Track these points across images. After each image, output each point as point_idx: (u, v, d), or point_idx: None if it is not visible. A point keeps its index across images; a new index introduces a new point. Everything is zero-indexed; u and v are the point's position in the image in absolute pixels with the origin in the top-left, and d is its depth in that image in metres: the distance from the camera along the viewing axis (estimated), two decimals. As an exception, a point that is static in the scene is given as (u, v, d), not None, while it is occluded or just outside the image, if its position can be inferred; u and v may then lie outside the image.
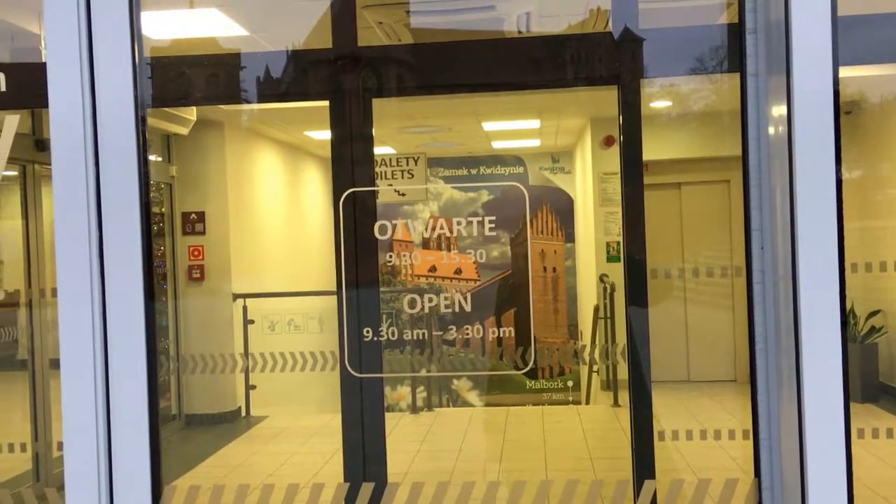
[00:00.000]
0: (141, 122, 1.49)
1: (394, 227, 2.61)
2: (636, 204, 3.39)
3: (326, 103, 3.39)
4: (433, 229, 2.79)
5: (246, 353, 6.86)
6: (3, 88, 2.10)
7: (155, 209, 7.30)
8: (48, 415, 5.33)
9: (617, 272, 6.78)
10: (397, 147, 8.82)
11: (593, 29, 4.18)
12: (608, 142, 8.15)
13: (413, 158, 6.23)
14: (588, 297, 9.32)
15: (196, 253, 7.29)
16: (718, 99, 6.07)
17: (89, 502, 1.45)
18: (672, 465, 4.54)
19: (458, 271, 10.31)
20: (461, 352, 6.99)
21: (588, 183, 8.73)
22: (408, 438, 6.18)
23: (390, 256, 2.87)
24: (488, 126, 8.61)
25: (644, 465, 3.23)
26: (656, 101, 7.29)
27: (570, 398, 10.06)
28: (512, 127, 8.96)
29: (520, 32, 4.23)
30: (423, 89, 3.50)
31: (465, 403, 9.79)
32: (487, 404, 9.73)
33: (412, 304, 2.82)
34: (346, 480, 3.27)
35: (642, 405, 3.33)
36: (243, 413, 7.31)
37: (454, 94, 5.15)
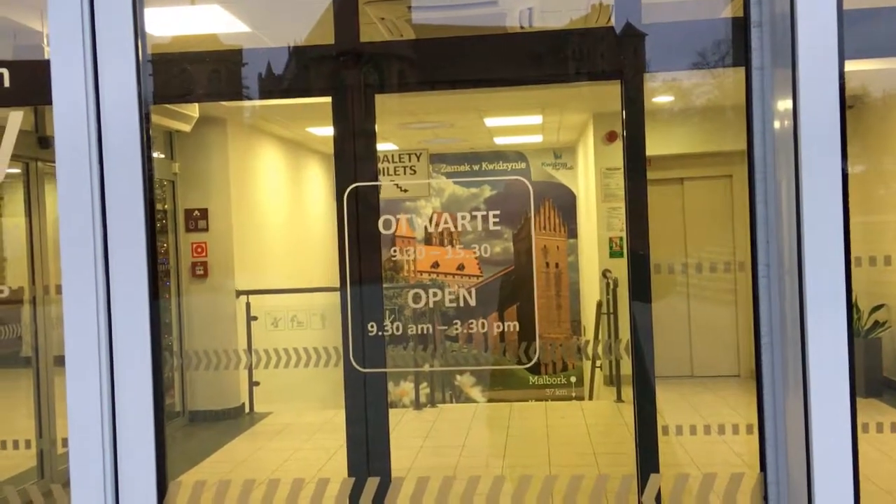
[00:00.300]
0: (145, 119, 1.49)
1: (397, 222, 2.61)
2: (639, 199, 3.38)
3: (328, 99, 3.38)
4: (436, 225, 2.79)
5: (249, 350, 6.87)
6: (7, 85, 2.10)
7: (158, 206, 7.30)
8: (52, 411, 5.34)
9: (620, 267, 6.78)
10: (400, 143, 8.83)
11: (596, 24, 4.17)
12: (611, 137, 8.14)
13: (415, 154, 6.23)
14: (591, 292, 9.32)
15: (199, 250, 7.30)
16: (721, 94, 6.06)
17: (95, 499, 1.45)
18: (676, 459, 4.54)
19: (461, 267, 10.32)
20: (464, 347, 6.99)
21: (590, 178, 8.72)
22: (411, 434, 6.19)
23: (394, 252, 2.87)
24: (490, 122, 8.61)
25: (648, 459, 3.23)
26: (659, 96, 7.27)
27: (574, 394, 10.06)
28: (514, 123, 8.96)
29: (522, 28, 4.22)
30: (425, 85, 3.50)
31: (469, 399, 9.80)
32: (490, 400, 9.74)
33: (416, 299, 2.82)
34: (350, 476, 3.27)
35: (646, 400, 3.33)
36: (247, 409, 7.32)
37: (456, 91, 5.15)
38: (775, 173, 1.46)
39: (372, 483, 1.76)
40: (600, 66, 3.39)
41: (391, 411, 7.64)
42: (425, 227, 2.72)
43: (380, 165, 5.75)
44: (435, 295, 2.77)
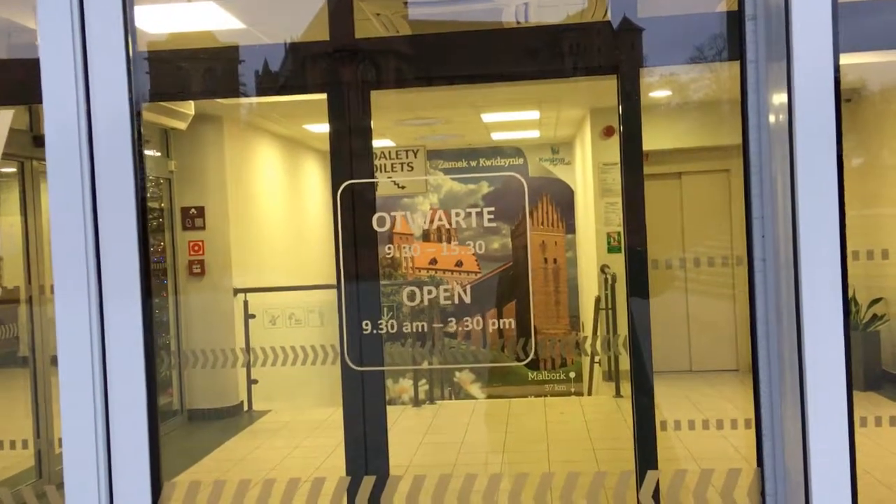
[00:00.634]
0: (136, 116, 1.47)
1: (392, 219, 2.60)
2: (636, 194, 3.38)
3: (324, 96, 3.38)
4: (432, 221, 2.78)
5: (247, 348, 6.86)
6: (-1, 84, 2.08)
7: (154, 204, 7.29)
8: (49, 411, 5.33)
9: (618, 263, 6.77)
10: (397, 140, 8.80)
11: (592, 18, 4.16)
12: (608, 132, 8.13)
13: (413, 151, 6.20)
14: (589, 287, 9.31)
15: (196, 248, 7.28)
16: (718, 88, 6.05)
17: (89, 500, 1.44)
18: (675, 454, 4.54)
19: (459, 263, 10.31)
20: (462, 344, 6.99)
21: (588, 174, 8.72)
22: (410, 431, 6.19)
23: (389, 249, 2.86)
24: (487, 117, 8.59)
25: (646, 455, 3.23)
26: (656, 90, 7.26)
27: (573, 389, 10.06)
28: (511, 118, 8.94)
29: (518, 23, 4.21)
30: (421, 81, 3.48)
31: (468, 396, 9.80)
32: (490, 396, 9.74)
33: (412, 296, 2.81)
34: (347, 474, 3.27)
35: (644, 396, 3.33)
36: (246, 407, 7.32)
37: (452, 86, 5.13)
38: (770, 167, 1.45)
39: (368, 481, 1.76)
40: (596, 60, 3.38)
41: (390, 408, 7.66)
42: (420, 223, 2.71)
43: (377, 162, 5.74)
44: (430, 292, 2.76)
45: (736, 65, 1.57)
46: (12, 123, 5.42)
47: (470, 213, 2.70)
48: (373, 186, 3.27)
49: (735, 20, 1.56)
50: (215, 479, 1.67)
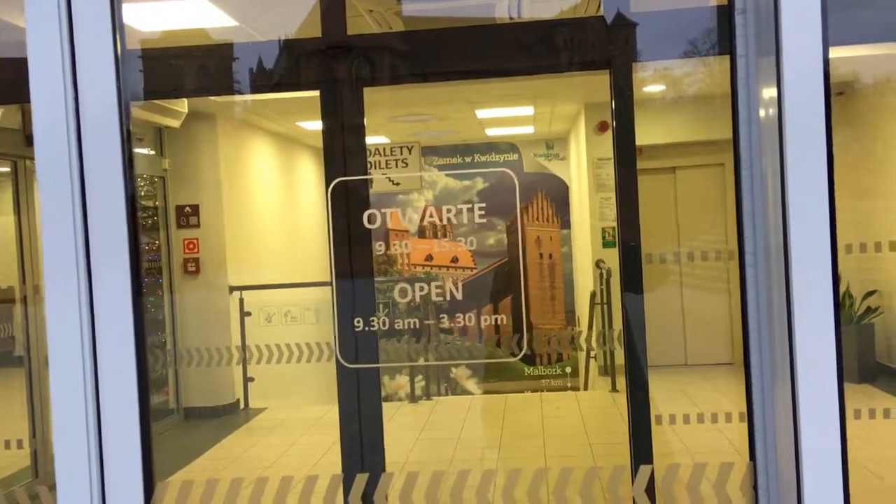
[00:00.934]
0: (125, 114, 1.47)
1: (383, 216, 2.59)
2: (630, 189, 3.38)
3: (317, 93, 3.37)
4: (423, 218, 2.77)
5: (243, 346, 6.86)
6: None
7: (149, 203, 7.28)
8: (45, 411, 5.32)
9: (613, 257, 6.77)
10: (392, 136, 8.80)
11: (585, 13, 4.16)
12: (602, 127, 8.13)
13: (407, 147, 6.21)
14: (585, 282, 9.32)
15: (191, 246, 7.27)
16: (712, 82, 6.05)
17: (81, 500, 1.44)
18: (670, 448, 4.55)
19: (455, 259, 10.32)
20: (458, 340, 6.98)
21: (583, 169, 8.72)
22: (407, 427, 6.19)
23: (380, 246, 2.85)
24: (482, 113, 8.59)
25: (641, 449, 3.24)
26: (650, 85, 7.26)
27: (569, 384, 10.08)
28: (505, 114, 8.94)
29: (511, 19, 4.20)
30: (413, 77, 3.48)
31: (465, 392, 9.81)
32: (486, 392, 9.75)
33: (405, 293, 2.80)
34: (343, 471, 3.27)
35: (639, 390, 3.34)
36: (242, 405, 7.32)
37: (444, 82, 5.13)
38: (761, 162, 1.45)
39: (362, 478, 1.76)
40: (589, 55, 3.38)
41: (387, 405, 7.66)
42: (411, 220, 2.70)
43: (371, 159, 5.73)
44: (422, 289, 2.76)
45: (728, 59, 1.57)
46: (5, 123, 5.41)
47: (461, 210, 2.70)
48: (366, 183, 3.26)
49: (725, 14, 1.56)
50: (209, 477, 1.66)
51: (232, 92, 4.33)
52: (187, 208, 7.24)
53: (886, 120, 7.35)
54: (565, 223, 10.60)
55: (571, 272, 10.59)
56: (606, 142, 7.96)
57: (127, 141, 1.49)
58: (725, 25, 1.53)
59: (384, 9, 4.66)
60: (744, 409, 1.60)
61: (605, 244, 8.24)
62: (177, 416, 7.16)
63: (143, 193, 7.25)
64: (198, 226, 7.26)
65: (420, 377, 7.67)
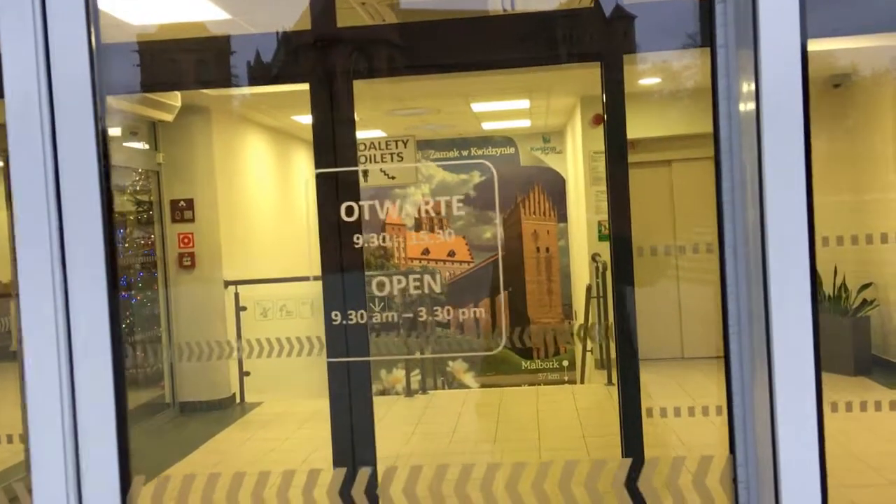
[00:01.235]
0: (100, 107, 1.46)
1: (360, 208, 2.58)
2: (621, 182, 3.37)
3: (307, 86, 3.35)
4: (400, 210, 2.76)
5: (238, 340, 6.85)
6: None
7: (143, 197, 7.26)
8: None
9: (608, 251, 6.76)
10: (388, 130, 8.78)
11: (579, 4, 4.14)
12: (597, 120, 8.11)
13: (402, 141, 6.19)
14: (582, 276, 9.32)
15: (186, 240, 7.26)
16: (706, 75, 6.03)
17: (57, 495, 1.43)
18: (665, 440, 4.55)
19: (452, 253, 10.31)
20: (451, 333, 6.98)
21: (579, 162, 8.70)
22: (402, 421, 6.19)
23: (358, 238, 2.83)
24: (477, 107, 8.57)
25: (632, 442, 3.23)
26: (645, 77, 7.24)
27: (566, 378, 10.09)
28: (501, 107, 8.92)
29: (504, 10, 4.18)
30: (403, 69, 3.46)
31: (462, 385, 9.81)
32: (483, 386, 9.75)
33: (379, 287, 2.79)
34: (334, 465, 3.26)
35: (630, 383, 3.33)
36: (238, 400, 7.31)
37: (435, 75, 5.11)
38: (741, 154, 1.44)
39: (339, 473, 1.75)
40: (579, 48, 3.36)
41: (382, 399, 7.65)
42: (387, 213, 2.69)
43: (366, 152, 5.72)
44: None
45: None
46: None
47: (439, 203, 2.68)
48: (354, 176, 3.25)
49: (707, 4, 1.54)
50: (187, 473, 1.66)
51: (220, 85, 4.32)
52: (182, 202, 7.23)
53: (884, 112, 7.33)
54: (562, 217, 10.59)
55: (569, 265, 10.58)
56: (602, 135, 7.94)
57: (103, 135, 1.48)
58: (707, 15, 1.51)
59: (376, 1, 4.65)
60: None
61: (601, 238, 8.23)
62: (173, 411, 7.16)
63: (137, 188, 7.24)
64: (192, 220, 7.25)
65: (416, 371, 7.67)
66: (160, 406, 7.09)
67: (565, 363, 10.18)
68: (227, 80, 3.25)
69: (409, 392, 7.25)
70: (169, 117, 6.75)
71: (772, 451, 1.35)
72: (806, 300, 1.32)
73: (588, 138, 8.23)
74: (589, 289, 7.90)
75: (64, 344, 1.44)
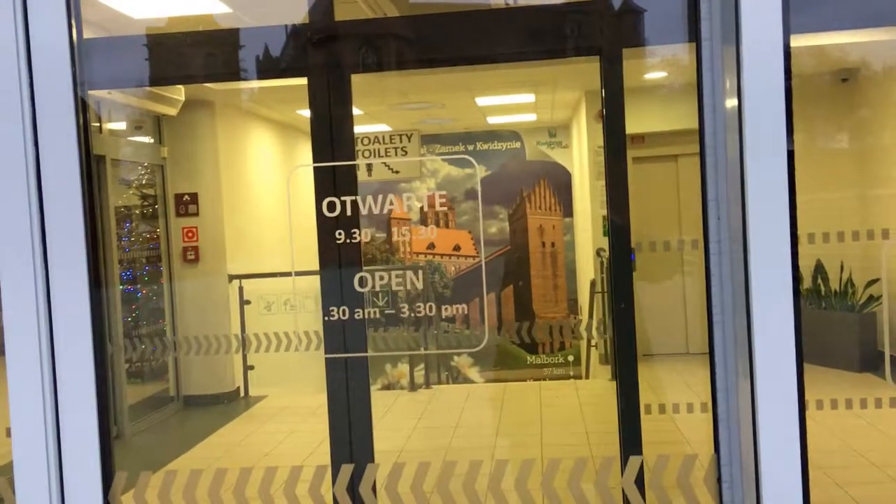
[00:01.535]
0: (80, 101, 1.45)
1: (342, 204, 2.58)
2: (620, 177, 3.34)
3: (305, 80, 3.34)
4: (381, 206, 2.75)
5: (242, 334, 6.87)
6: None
7: (148, 191, 7.28)
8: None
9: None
10: (393, 124, 8.77)
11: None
12: (601, 115, 8.07)
13: (406, 135, 6.15)
14: (587, 271, 9.29)
15: (190, 234, 7.28)
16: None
17: (39, 492, 1.43)
18: (661, 438, 4.52)
19: (457, 248, 10.30)
20: (457, 328, 6.98)
21: (584, 157, 8.67)
22: (404, 416, 6.19)
23: (338, 234, 2.82)
24: (482, 101, 8.54)
25: (630, 438, 3.21)
26: (651, 72, 7.20)
27: (571, 373, 10.07)
28: (506, 101, 8.88)
29: (507, 4, 4.16)
30: (401, 64, 3.44)
31: (467, 380, 9.81)
32: (488, 380, 9.74)
33: (361, 283, 2.78)
34: (332, 460, 3.26)
35: (628, 379, 3.30)
36: (242, 393, 7.33)
37: (437, 69, 5.09)
38: (725, 149, 1.42)
39: (347, 469, 1.75)
40: (578, 41, 3.33)
41: (386, 393, 7.64)
42: (370, 209, 2.68)
43: (370, 146, 5.69)
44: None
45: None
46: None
47: (423, 198, 2.68)
48: (353, 171, 3.23)
49: (694, -1, 1.52)
50: (190, 467, 1.66)
51: (215, 79, 4.31)
52: (186, 196, 7.24)
53: (893, 107, 7.27)
54: (568, 211, 10.56)
55: (574, 261, 10.55)
56: (607, 129, 7.89)
57: (85, 131, 1.47)
58: (693, 9, 1.49)
59: (377, -5, 4.63)
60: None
61: (606, 232, 8.19)
62: (177, 404, 7.19)
63: (143, 182, 7.25)
64: (196, 214, 7.26)
65: (420, 365, 7.66)
66: (165, 399, 7.11)
67: (570, 358, 10.17)
68: (227, 75, 3.24)
69: (412, 387, 7.25)
70: (172, 111, 6.75)
71: (753, 449, 1.34)
72: (787, 296, 1.31)
73: (592, 133, 8.20)
74: (593, 284, 7.87)
75: (46, 340, 1.44)
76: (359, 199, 2.58)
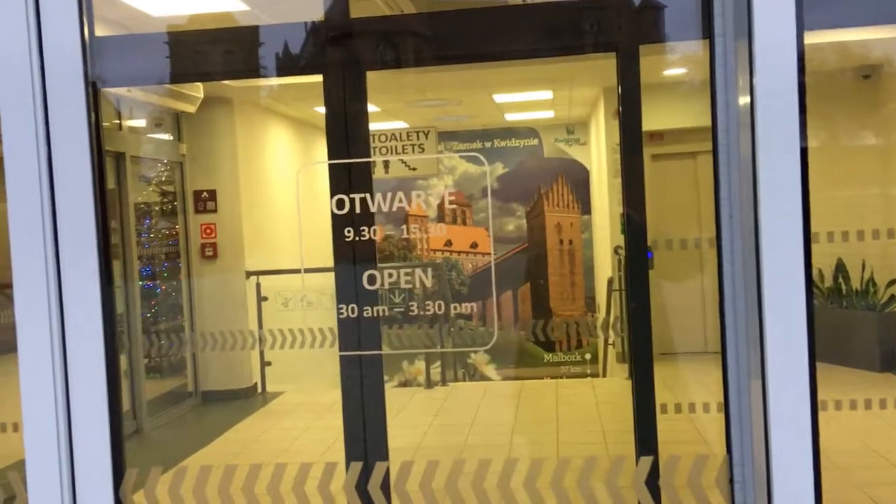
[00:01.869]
0: (93, 98, 1.46)
1: (358, 200, 2.58)
2: (636, 173, 3.31)
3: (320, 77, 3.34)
4: (389, 204, 2.75)
5: (260, 330, 6.89)
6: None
7: (167, 188, 7.33)
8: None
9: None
10: (410, 121, 8.77)
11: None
12: (618, 112, 8.01)
13: (423, 132, 6.16)
14: (605, 269, 9.25)
15: (208, 231, 7.32)
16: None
17: (50, 487, 1.44)
18: (675, 437, 4.49)
19: (474, 245, 10.29)
20: (472, 326, 6.96)
21: (603, 154, 8.62)
22: (419, 413, 6.20)
23: (357, 230, 2.82)
24: (500, 98, 8.51)
25: (645, 438, 3.19)
26: (671, 68, 7.14)
27: (588, 371, 10.03)
28: (524, 98, 8.85)
29: (523, 1, 4.14)
30: (417, 61, 3.44)
31: (483, 377, 9.79)
32: (506, 378, 9.72)
33: (371, 280, 2.78)
34: (347, 458, 3.27)
35: (643, 378, 3.28)
36: (259, 389, 7.37)
37: (454, 65, 5.08)
38: (739, 147, 1.40)
39: (361, 467, 1.75)
40: (594, 38, 3.31)
41: (402, 391, 7.64)
42: (388, 205, 2.68)
43: (387, 143, 5.70)
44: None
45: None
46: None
47: (431, 195, 2.67)
48: (368, 168, 3.23)
49: (708, -6, 1.51)
50: (207, 462, 1.67)
51: (231, 77, 4.32)
52: (205, 193, 7.28)
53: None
54: (586, 209, 10.52)
55: (592, 258, 10.51)
56: (625, 126, 7.83)
57: (96, 127, 1.48)
58: (706, 5, 1.48)
59: (394, -8, 4.63)
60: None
61: (624, 230, 8.15)
62: (195, 399, 7.24)
63: (162, 178, 7.31)
64: (215, 210, 7.30)
65: (437, 363, 7.66)
66: (183, 395, 7.17)
67: (588, 356, 10.13)
68: (241, 72, 3.25)
69: (429, 384, 7.25)
70: (191, 108, 6.79)
71: (765, 450, 1.32)
72: (801, 296, 1.29)
73: (611, 130, 8.16)
74: (610, 281, 7.84)
75: (57, 337, 1.45)
76: (377, 195, 2.58)
